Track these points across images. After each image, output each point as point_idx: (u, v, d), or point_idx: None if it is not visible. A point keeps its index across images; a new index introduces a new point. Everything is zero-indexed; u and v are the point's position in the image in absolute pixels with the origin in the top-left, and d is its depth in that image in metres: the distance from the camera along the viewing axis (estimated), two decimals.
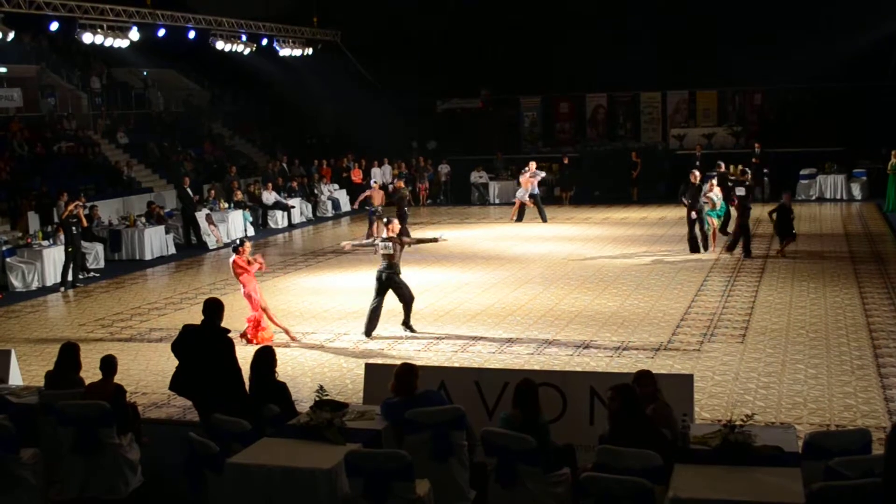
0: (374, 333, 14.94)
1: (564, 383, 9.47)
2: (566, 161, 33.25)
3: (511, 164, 35.60)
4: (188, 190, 26.65)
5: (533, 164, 28.97)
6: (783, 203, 20.87)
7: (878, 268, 19.08)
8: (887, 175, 27.95)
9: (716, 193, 21.92)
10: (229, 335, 9.86)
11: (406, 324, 15.02)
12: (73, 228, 20.61)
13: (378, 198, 25.37)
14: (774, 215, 20.88)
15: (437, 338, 14.76)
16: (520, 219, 28.67)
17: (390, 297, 14.89)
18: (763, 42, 33.19)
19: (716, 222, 22.01)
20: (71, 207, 20.81)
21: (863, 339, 13.62)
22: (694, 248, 21.44)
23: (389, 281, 14.67)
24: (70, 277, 20.64)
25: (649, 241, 23.68)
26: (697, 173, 21.92)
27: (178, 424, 11.03)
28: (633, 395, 7.66)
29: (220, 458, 7.83)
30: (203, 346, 9.68)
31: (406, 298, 14.84)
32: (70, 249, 20.57)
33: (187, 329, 10.00)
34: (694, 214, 21.26)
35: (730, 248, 21.20)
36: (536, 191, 28.62)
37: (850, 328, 14.28)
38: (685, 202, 21.51)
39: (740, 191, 21.17)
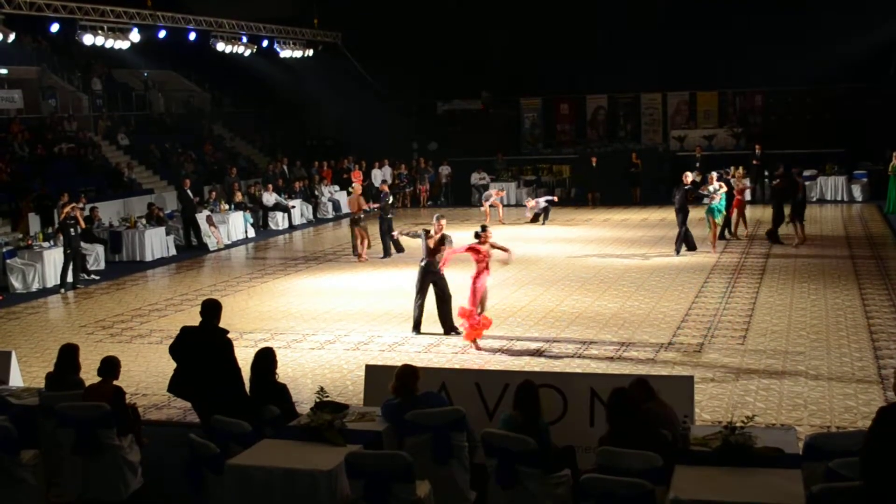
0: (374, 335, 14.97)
1: (565, 385, 9.47)
2: (594, 162, 33.28)
3: (512, 165, 35.65)
4: (188, 192, 26.66)
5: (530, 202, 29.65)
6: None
7: (879, 269, 19.07)
8: (888, 176, 27.96)
9: (716, 186, 21.75)
10: (228, 335, 9.85)
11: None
12: (72, 230, 20.59)
13: (354, 204, 23.11)
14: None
15: (438, 336, 14.76)
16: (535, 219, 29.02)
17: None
18: (763, 43, 33.20)
19: (717, 221, 21.83)
20: (68, 209, 20.77)
21: (863, 341, 13.61)
22: (691, 247, 21.50)
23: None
24: (70, 279, 20.63)
25: (650, 242, 23.68)
26: (689, 175, 21.90)
27: (178, 426, 11.03)
28: (626, 398, 7.65)
29: (220, 459, 7.84)
30: (202, 346, 9.66)
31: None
32: (68, 251, 20.57)
33: (185, 331, 9.98)
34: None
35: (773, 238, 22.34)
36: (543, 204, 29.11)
37: (851, 329, 14.28)
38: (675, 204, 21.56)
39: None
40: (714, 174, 22.49)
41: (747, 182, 23.75)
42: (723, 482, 6.97)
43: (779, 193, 22.90)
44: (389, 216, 23.40)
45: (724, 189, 21.73)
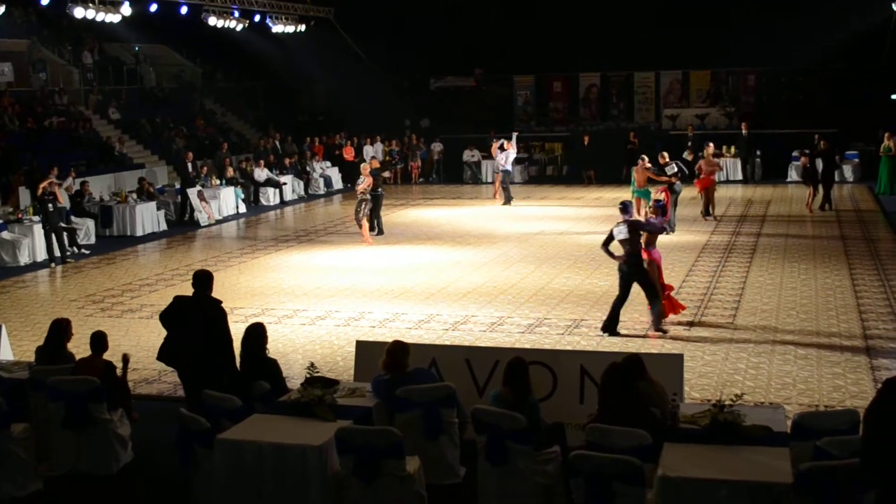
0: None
1: (555, 362, 9.50)
2: (587, 140, 33.22)
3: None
4: (189, 165, 26.62)
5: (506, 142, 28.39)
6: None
7: (869, 249, 19.14)
8: (879, 157, 28.04)
9: (673, 168, 21.78)
10: (222, 305, 9.83)
11: (655, 326, 13.42)
12: (50, 206, 20.44)
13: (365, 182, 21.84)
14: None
15: (429, 315, 14.79)
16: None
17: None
18: (757, 23, 33.16)
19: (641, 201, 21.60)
20: (45, 185, 20.60)
21: (853, 321, 13.67)
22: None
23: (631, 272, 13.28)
24: (58, 253, 20.54)
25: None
26: (666, 154, 22.00)
27: (168, 400, 11.04)
28: (620, 375, 7.68)
29: (210, 434, 7.85)
30: (196, 316, 9.64)
31: (650, 294, 13.36)
32: (47, 227, 20.47)
33: (179, 300, 9.96)
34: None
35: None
36: (509, 168, 28.19)
37: (840, 309, 14.34)
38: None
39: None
40: (665, 153, 22.38)
41: (719, 162, 24.15)
42: (711, 460, 7.01)
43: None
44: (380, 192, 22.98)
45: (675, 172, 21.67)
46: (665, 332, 13.28)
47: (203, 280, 9.78)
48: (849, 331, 13.18)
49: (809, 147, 27.93)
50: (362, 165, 22.86)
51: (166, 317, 9.86)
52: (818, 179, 25.10)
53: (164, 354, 9.93)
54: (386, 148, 35.20)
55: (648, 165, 21.90)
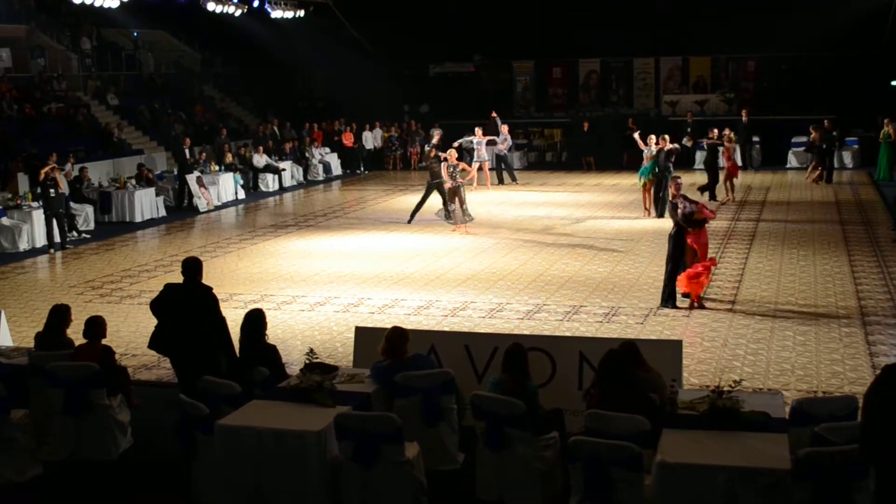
0: (367, 297, 14.98)
1: (554, 348, 9.50)
2: (587, 127, 33.21)
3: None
4: (186, 151, 26.56)
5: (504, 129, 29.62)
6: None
7: (868, 236, 19.13)
8: (879, 143, 28.03)
9: (652, 149, 22.12)
10: (213, 291, 9.82)
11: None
12: (51, 192, 20.43)
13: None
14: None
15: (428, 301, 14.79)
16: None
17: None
18: (757, 9, 33.05)
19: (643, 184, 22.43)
20: (46, 170, 20.57)
21: (851, 307, 13.68)
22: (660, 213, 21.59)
23: None
24: (58, 239, 20.54)
25: (640, 207, 23.65)
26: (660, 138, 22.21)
27: (168, 386, 11.02)
28: (617, 361, 7.68)
29: (209, 420, 7.86)
30: (188, 302, 9.62)
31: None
32: (48, 212, 20.47)
33: (169, 287, 9.93)
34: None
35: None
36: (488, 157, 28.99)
37: (839, 295, 14.34)
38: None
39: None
40: (653, 137, 22.66)
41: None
42: (710, 446, 7.02)
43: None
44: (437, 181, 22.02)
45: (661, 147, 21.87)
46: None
47: (193, 267, 9.74)
48: (847, 316, 13.19)
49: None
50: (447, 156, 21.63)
51: (157, 305, 9.84)
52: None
53: (157, 343, 9.92)
54: (385, 134, 35.14)
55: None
